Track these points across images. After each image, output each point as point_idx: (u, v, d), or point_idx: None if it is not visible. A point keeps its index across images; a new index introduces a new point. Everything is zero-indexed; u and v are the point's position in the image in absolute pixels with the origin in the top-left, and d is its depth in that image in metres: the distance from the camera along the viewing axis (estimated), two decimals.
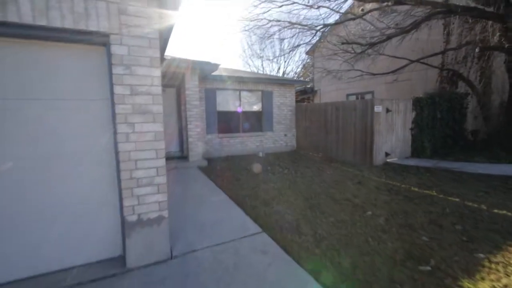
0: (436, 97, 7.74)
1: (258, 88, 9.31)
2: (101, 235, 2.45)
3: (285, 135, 9.97)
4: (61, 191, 2.27)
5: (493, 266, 2.26)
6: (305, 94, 16.82)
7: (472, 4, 6.67)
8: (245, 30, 9.48)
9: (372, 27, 8.48)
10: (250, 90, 9.30)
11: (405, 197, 4.13)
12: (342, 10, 8.79)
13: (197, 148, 7.06)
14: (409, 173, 5.76)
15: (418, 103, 7.55)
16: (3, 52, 2.03)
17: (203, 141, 8.26)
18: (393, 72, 9.87)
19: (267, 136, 9.56)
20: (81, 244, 2.36)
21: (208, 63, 6.50)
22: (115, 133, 2.31)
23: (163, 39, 3.22)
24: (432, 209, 3.59)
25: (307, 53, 17.72)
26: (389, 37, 8.06)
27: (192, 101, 6.86)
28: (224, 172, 6.25)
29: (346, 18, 8.39)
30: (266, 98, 9.49)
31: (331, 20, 9.18)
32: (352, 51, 9.08)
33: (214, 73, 7.90)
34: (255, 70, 24.04)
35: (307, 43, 9.77)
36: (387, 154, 7.09)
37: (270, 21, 7.84)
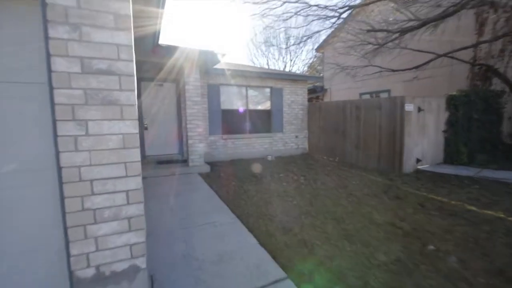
0: (471, 95, 6.72)
1: (267, 84, 8.38)
2: None
3: (296, 136, 9.02)
4: None
5: None
6: (314, 93, 15.82)
7: None
8: (254, 15, 8.35)
9: (399, 14, 7.46)
10: (258, 87, 8.38)
11: (467, 221, 3.16)
12: None
13: (198, 151, 6.15)
14: (452, 185, 4.77)
15: (452, 102, 6.55)
16: None
17: (205, 142, 7.35)
18: (416, 67, 8.85)
19: (276, 138, 8.61)
20: None
21: (211, 52, 5.59)
22: (55, 136, 1.40)
23: None
24: None
25: (316, 49, 16.76)
26: (424, 23, 6.99)
27: (192, 97, 5.95)
28: (229, 180, 5.33)
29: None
30: (276, 95, 8.55)
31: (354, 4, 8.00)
32: (375, 43, 8.07)
33: (218, 67, 7.00)
34: None
35: (329, 28, 8.62)
36: (418, 160, 6.11)
37: (284, 2, 6.84)
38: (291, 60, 24.29)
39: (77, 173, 1.43)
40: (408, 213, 3.44)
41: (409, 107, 5.76)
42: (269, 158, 7.92)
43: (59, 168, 1.41)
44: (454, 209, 3.56)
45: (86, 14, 1.39)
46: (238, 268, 2.22)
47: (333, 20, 7.58)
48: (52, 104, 1.37)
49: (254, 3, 7.10)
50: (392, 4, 7.48)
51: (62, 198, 1.42)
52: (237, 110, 8.08)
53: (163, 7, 3.02)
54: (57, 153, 1.40)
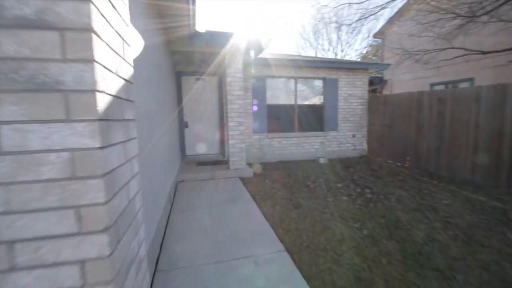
0: None
1: (319, 75, 7.22)
2: None
3: (353, 135, 7.67)
4: None
5: None
6: (371, 85, 13.77)
7: None
8: None
9: None
10: (308, 78, 7.29)
11: None
12: None
13: (240, 152, 5.42)
14: None
15: None
16: None
17: (248, 142, 6.61)
18: None
19: (329, 137, 7.42)
20: None
21: (254, 38, 4.75)
22: None
23: None
24: None
25: (374, 35, 14.68)
26: None
27: (234, 91, 5.21)
28: (275, 188, 4.46)
29: None
30: (330, 87, 7.33)
31: None
32: (464, 14, 6.26)
33: (264, 57, 6.15)
34: None
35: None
36: None
37: None
38: (342, 51, 22.06)
39: None
40: None
41: None
42: (321, 160, 6.81)
43: None
44: None
45: None
46: None
47: None
48: None
49: None
50: None
51: None
52: (284, 105, 7.15)
53: None
54: None
